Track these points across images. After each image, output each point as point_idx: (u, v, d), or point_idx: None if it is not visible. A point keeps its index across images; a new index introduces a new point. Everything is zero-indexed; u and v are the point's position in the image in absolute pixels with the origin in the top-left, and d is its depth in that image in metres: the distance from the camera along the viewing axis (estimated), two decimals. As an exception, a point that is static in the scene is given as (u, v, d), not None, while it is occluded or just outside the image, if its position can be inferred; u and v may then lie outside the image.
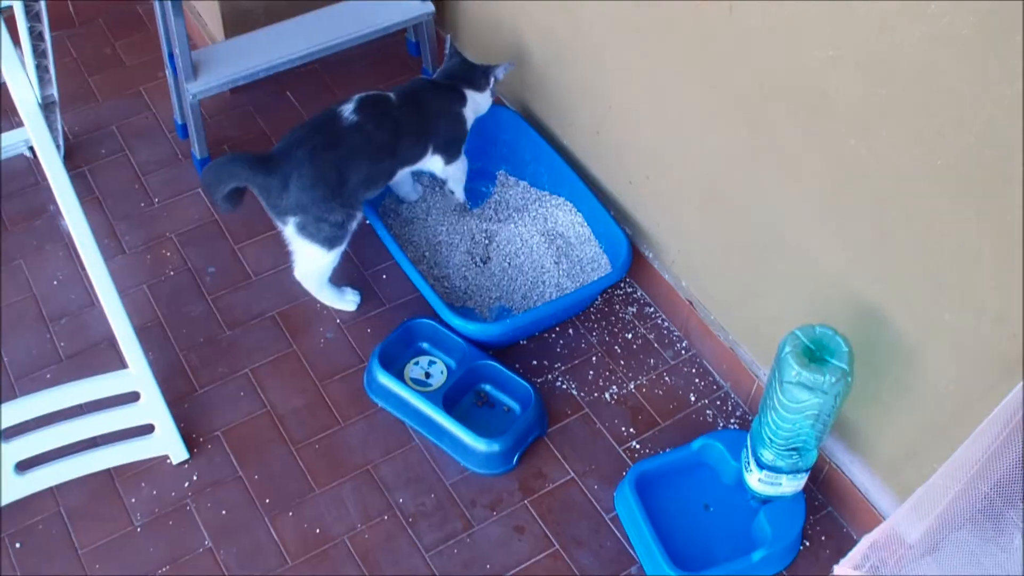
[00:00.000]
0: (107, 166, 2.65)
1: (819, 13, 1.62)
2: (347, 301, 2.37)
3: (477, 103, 2.38)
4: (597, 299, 2.41)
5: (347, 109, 2.19)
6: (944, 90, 1.47)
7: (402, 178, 2.40)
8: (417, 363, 2.26)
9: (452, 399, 2.17)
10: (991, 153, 1.44)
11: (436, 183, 2.56)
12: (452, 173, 2.42)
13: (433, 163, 2.36)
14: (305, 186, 2.13)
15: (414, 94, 2.30)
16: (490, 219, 2.50)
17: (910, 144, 1.56)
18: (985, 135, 1.44)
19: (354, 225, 2.24)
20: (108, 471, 2.10)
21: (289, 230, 2.20)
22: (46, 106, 2.30)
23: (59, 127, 2.57)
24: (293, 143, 2.16)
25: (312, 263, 2.26)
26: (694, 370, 2.30)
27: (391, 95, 2.27)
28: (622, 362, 2.30)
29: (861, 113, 1.63)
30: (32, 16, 2.09)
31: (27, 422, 1.97)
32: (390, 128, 2.22)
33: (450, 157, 2.37)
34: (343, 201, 2.17)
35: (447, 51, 2.44)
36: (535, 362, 2.30)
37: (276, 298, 2.39)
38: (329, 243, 2.21)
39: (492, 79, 2.39)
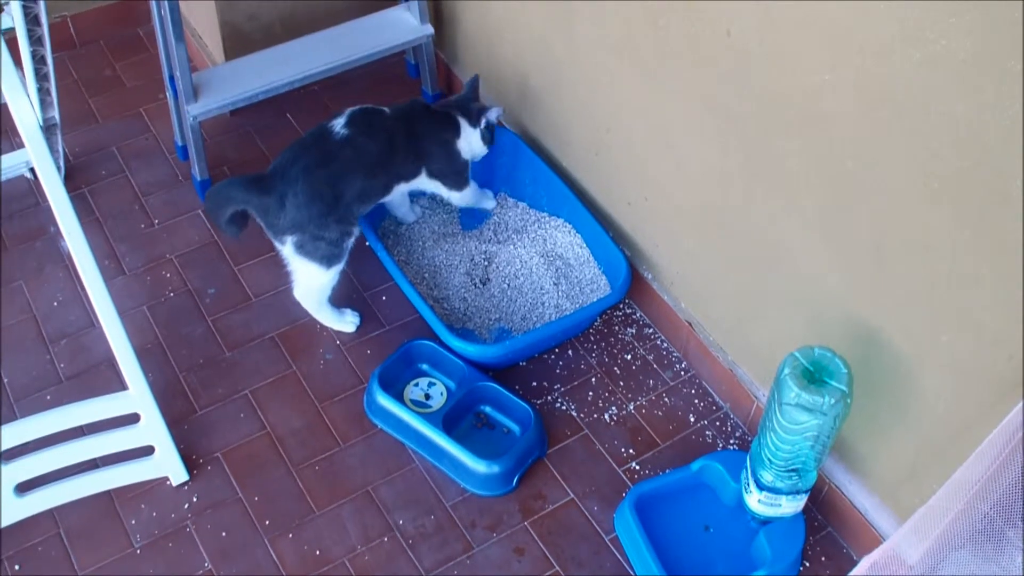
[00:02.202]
0: (107, 187, 2.66)
1: (817, 37, 1.64)
2: (346, 322, 2.38)
3: (469, 139, 2.37)
4: (596, 320, 2.41)
5: (338, 123, 2.21)
6: (941, 113, 1.48)
7: (399, 198, 2.42)
8: (417, 384, 2.26)
9: (452, 420, 2.17)
10: (987, 176, 1.45)
11: (435, 204, 2.57)
12: (466, 200, 2.46)
13: (436, 188, 2.38)
14: (301, 204, 2.14)
15: (410, 112, 2.31)
16: (489, 240, 2.51)
17: (907, 166, 1.57)
18: (981, 158, 1.45)
19: (351, 242, 2.25)
20: (108, 493, 2.10)
21: (287, 249, 2.21)
22: (47, 128, 2.31)
23: (60, 149, 2.58)
24: (287, 162, 2.17)
25: (311, 282, 2.27)
26: (693, 391, 2.30)
27: (385, 109, 2.28)
28: (621, 383, 2.31)
29: (859, 135, 1.64)
30: (35, 40, 2.10)
31: (27, 443, 1.97)
32: (383, 141, 2.23)
33: (455, 186, 2.40)
34: (339, 217, 2.18)
35: (465, 85, 2.44)
36: (535, 383, 2.30)
37: (276, 319, 2.39)
38: (327, 261, 2.22)
39: (484, 119, 2.36)
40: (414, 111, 2.33)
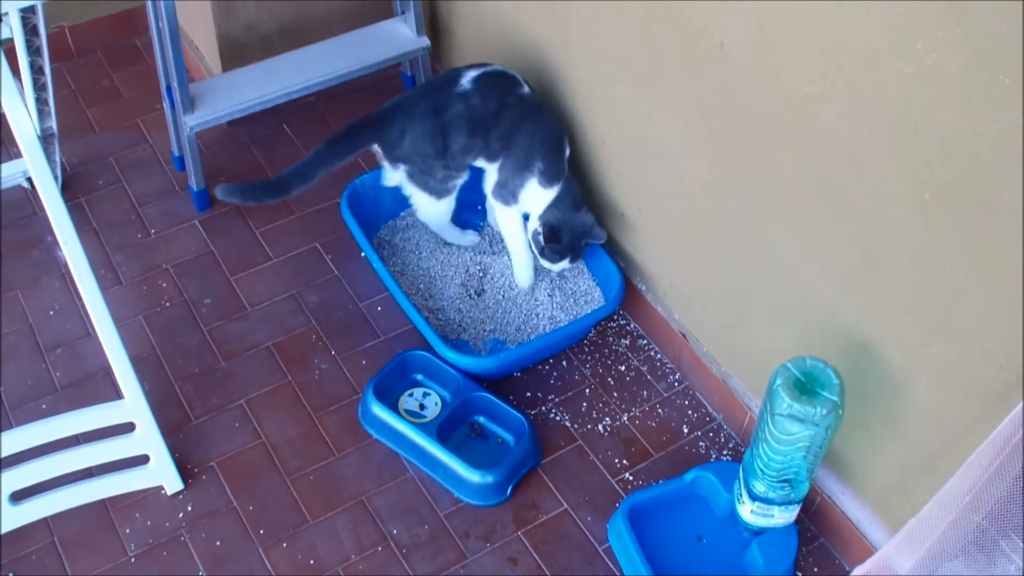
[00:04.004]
0: (104, 197, 2.67)
1: (809, 49, 1.65)
2: (467, 239, 2.50)
3: (537, 195, 2.28)
4: (590, 331, 2.42)
5: (467, 77, 2.25)
6: (931, 125, 1.49)
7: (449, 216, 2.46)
8: (411, 395, 2.27)
9: (446, 431, 2.18)
10: (977, 187, 1.46)
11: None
12: (495, 221, 2.45)
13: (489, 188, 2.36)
14: (415, 141, 2.25)
15: (534, 104, 2.27)
16: (484, 252, 2.52)
17: (898, 178, 1.58)
18: (971, 169, 1.46)
19: (458, 183, 2.34)
20: (103, 502, 2.10)
21: (400, 176, 2.33)
22: (45, 138, 2.32)
23: (57, 159, 2.59)
24: (413, 98, 2.27)
25: (425, 208, 2.40)
26: (687, 402, 2.31)
27: (520, 81, 2.27)
28: (615, 394, 2.31)
29: (850, 147, 1.65)
30: (33, 50, 2.11)
31: (22, 452, 1.97)
32: (492, 109, 2.24)
33: (499, 197, 2.34)
34: (445, 164, 2.27)
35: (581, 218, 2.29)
36: (529, 394, 2.31)
37: (271, 330, 2.40)
38: (436, 194, 2.34)
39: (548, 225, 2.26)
40: (536, 105, 2.28)
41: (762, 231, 1.94)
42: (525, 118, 2.25)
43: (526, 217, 2.35)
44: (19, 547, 2.04)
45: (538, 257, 2.35)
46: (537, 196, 2.29)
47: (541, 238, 2.28)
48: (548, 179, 2.26)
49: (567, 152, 2.29)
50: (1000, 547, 1.48)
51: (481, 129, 2.24)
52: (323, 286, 2.48)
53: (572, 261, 2.33)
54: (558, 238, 2.26)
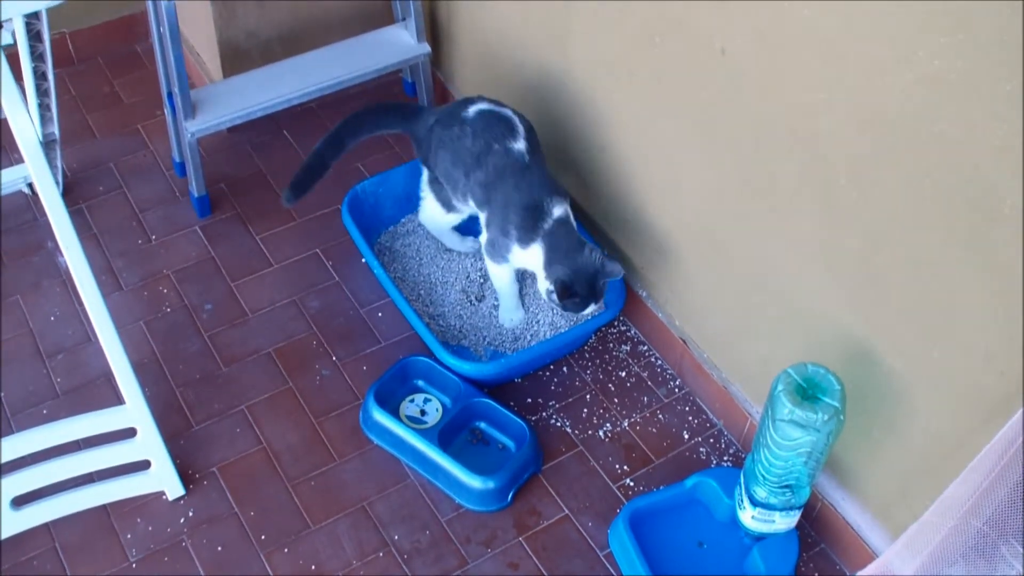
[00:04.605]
0: (105, 203, 2.67)
1: (810, 56, 1.66)
2: (467, 245, 2.49)
3: (534, 258, 2.17)
4: (591, 337, 2.43)
5: (472, 109, 2.25)
6: (933, 133, 1.49)
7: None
8: (412, 400, 2.27)
9: (447, 436, 2.18)
10: (978, 195, 1.47)
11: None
12: (487, 265, 2.33)
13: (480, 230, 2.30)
14: (438, 164, 2.28)
15: (520, 164, 2.17)
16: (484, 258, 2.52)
17: (900, 185, 1.59)
18: (973, 177, 1.46)
19: (465, 205, 2.32)
20: (104, 507, 2.10)
21: (425, 175, 2.39)
22: (47, 144, 2.32)
23: (59, 164, 2.59)
24: (447, 115, 2.26)
25: (431, 213, 2.42)
26: (687, 408, 2.31)
27: (518, 131, 2.20)
28: (616, 400, 2.32)
29: (852, 154, 1.66)
30: (36, 56, 2.11)
31: (23, 458, 1.98)
32: (478, 149, 2.19)
33: (492, 254, 2.26)
34: (452, 190, 2.30)
35: (598, 252, 2.14)
36: (530, 400, 2.31)
37: (272, 335, 2.40)
38: (446, 207, 2.37)
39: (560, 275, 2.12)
40: (522, 165, 2.18)
41: (763, 238, 1.94)
42: (507, 174, 2.16)
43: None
44: (20, 552, 2.04)
45: (563, 312, 2.27)
46: (526, 257, 2.18)
47: (556, 297, 2.13)
48: (524, 242, 2.16)
49: (555, 214, 2.14)
50: (1001, 552, 1.48)
51: (462, 163, 2.22)
52: (324, 292, 2.48)
53: (596, 304, 2.17)
54: (573, 292, 2.11)
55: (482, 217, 2.26)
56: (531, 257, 2.17)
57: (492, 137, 2.19)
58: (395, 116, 2.40)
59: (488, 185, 2.19)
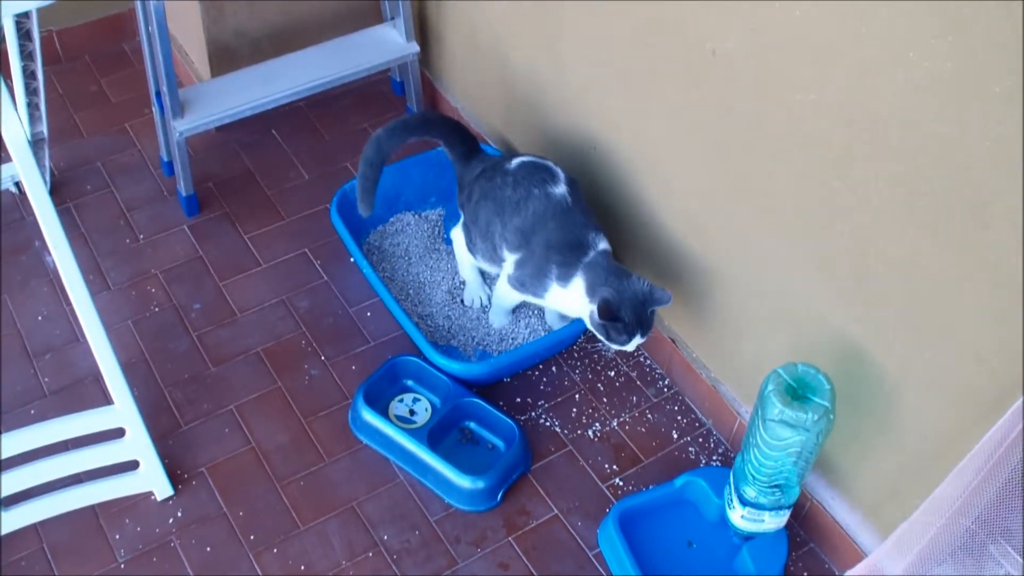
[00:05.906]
0: (92, 202, 2.66)
1: (801, 56, 1.66)
2: (477, 295, 2.43)
3: (571, 298, 2.11)
4: (580, 337, 2.43)
5: (514, 162, 2.20)
6: (923, 134, 1.50)
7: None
8: (402, 400, 2.27)
9: (437, 436, 2.18)
10: (969, 195, 1.47)
11: (418, 219, 2.58)
12: (499, 284, 2.30)
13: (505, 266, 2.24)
14: (478, 216, 2.22)
15: (563, 206, 2.12)
16: (474, 257, 2.52)
17: (890, 185, 1.60)
18: (963, 177, 1.47)
19: (490, 256, 2.26)
20: (92, 507, 2.09)
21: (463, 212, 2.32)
22: (36, 143, 2.31)
23: (47, 164, 2.58)
24: (492, 166, 2.23)
25: (460, 246, 2.36)
26: (677, 408, 2.32)
27: (559, 177, 2.16)
28: (605, 400, 2.32)
29: (842, 154, 1.67)
30: (26, 55, 2.10)
31: (11, 458, 1.97)
32: (517, 198, 2.15)
33: (516, 278, 2.20)
34: (488, 237, 2.23)
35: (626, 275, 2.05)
36: (519, 399, 2.31)
37: (261, 335, 2.40)
38: (471, 248, 2.32)
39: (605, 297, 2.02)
40: (564, 207, 2.13)
41: (754, 238, 1.95)
42: (547, 216, 2.11)
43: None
44: (8, 553, 2.03)
45: (604, 343, 2.07)
46: (565, 295, 2.11)
47: (597, 316, 2.01)
48: (564, 278, 2.09)
49: (598, 247, 2.10)
50: (989, 551, 1.49)
51: (501, 212, 2.16)
52: (313, 291, 2.48)
53: (644, 336, 2.04)
54: (616, 316, 2.00)
55: (509, 260, 2.19)
56: (572, 294, 2.08)
57: (532, 184, 2.14)
58: (459, 141, 2.31)
59: (525, 231, 2.13)
